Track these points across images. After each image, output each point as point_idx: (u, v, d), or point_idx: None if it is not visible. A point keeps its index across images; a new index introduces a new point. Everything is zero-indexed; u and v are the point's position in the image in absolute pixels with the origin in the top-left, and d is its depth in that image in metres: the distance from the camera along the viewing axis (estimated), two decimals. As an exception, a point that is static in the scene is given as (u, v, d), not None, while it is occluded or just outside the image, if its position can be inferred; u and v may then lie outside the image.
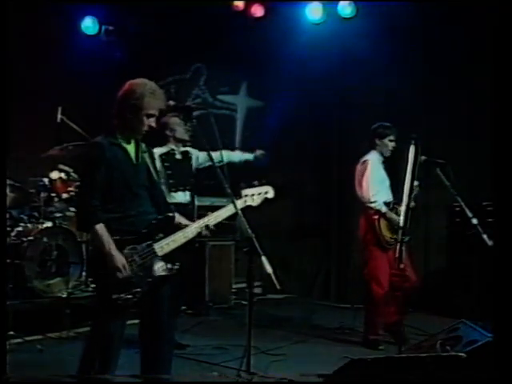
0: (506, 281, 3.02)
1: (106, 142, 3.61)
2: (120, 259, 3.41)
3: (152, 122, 3.63)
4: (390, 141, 6.00)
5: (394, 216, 5.80)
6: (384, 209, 5.85)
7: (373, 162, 6.00)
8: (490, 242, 4.98)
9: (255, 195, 3.91)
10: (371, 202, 5.87)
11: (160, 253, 3.52)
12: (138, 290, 3.42)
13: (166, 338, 3.72)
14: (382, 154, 6.00)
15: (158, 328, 3.67)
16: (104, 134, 3.66)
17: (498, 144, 3.24)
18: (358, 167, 6.09)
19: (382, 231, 5.85)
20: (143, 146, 3.75)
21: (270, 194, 4.00)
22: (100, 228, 3.45)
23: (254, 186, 3.94)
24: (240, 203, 3.79)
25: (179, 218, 3.75)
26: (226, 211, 3.73)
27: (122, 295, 3.38)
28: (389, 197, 5.99)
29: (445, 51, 7.87)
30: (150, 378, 3.64)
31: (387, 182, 6.06)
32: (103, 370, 3.48)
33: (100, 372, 3.46)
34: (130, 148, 3.68)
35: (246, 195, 3.88)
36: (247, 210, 3.91)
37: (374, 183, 5.93)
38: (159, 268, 3.52)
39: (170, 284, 3.70)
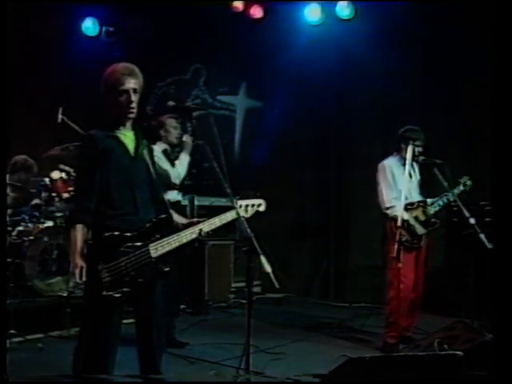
0: (505, 280, 3.03)
1: (100, 135, 3.54)
2: (77, 265, 3.37)
3: (127, 100, 3.49)
4: (417, 146, 5.76)
5: (412, 221, 5.68)
6: (400, 214, 5.43)
7: (385, 167, 5.87)
8: (486, 241, 5.01)
9: (249, 206, 3.84)
10: (386, 209, 5.75)
11: (154, 254, 3.49)
12: (128, 289, 3.40)
13: (157, 338, 3.65)
14: (403, 157, 5.62)
15: (150, 327, 3.63)
16: (100, 127, 3.59)
17: (497, 144, 3.23)
18: (376, 174, 5.96)
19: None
20: (144, 141, 3.67)
21: (262, 208, 3.91)
22: (76, 228, 3.43)
23: (249, 198, 3.87)
24: (233, 214, 3.69)
25: (177, 218, 3.73)
26: (221, 220, 3.68)
27: (110, 293, 3.36)
28: (412, 198, 5.81)
29: (444, 52, 7.89)
30: (149, 378, 3.59)
31: (412, 184, 5.83)
32: (98, 369, 3.45)
33: (94, 371, 3.42)
34: (128, 141, 3.59)
35: (240, 206, 3.79)
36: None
37: (389, 189, 5.78)
38: (151, 269, 3.50)
39: (165, 284, 3.69)
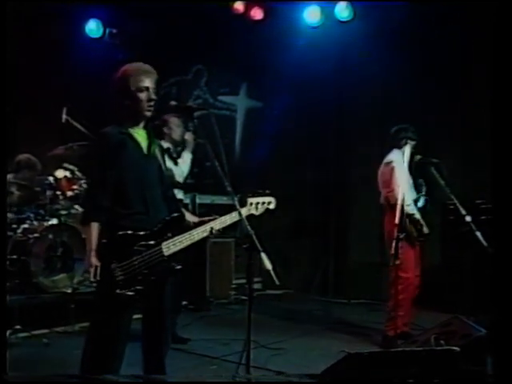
0: (503, 277, 3.08)
1: (114, 131, 3.55)
2: (92, 263, 3.41)
3: (147, 96, 3.54)
4: (414, 144, 5.91)
5: (422, 221, 5.81)
6: (414, 211, 5.79)
7: (398, 162, 5.88)
8: (483, 239, 5.07)
9: (259, 204, 3.86)
10: (407, 205, 5.71)
11: (166, 253, 3.53)
12: (141, 287, 3.44)
13: (164, 336, 3.73)
14: (403, 154, 5.76)
15: (158, 325, 3.69)
16: (113, 124, 3.60)
17: (497, 144, 3.20)
18: (382, 168, 5.99)
19: (408, 228, 5.75)
20: (156, 140, 3.71)
21: (272, 205, 3.92)
22: (92, 227, 3.46)
23: (259, 195, 3.88)
24: (244, 211, 3.70)
25: (188, 217, 3.77)
26: (232, 218, 3.70)
27: (124, 291, 3.40)
28: (413, 195, 5.91)
29: (443, 53, 7.92)
30: (150, 379, 3.56)
31: (411, 181, 5.92)
32: (106, 367, 3.45)
33: (102, 369, 3.41)
34: (141, 138, 3.61)
35: (250, 203, 3.82)
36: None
37: (403, 185, 5.72)
38: (164, 267, 3.55)
39: (173, 282, 3.73)
